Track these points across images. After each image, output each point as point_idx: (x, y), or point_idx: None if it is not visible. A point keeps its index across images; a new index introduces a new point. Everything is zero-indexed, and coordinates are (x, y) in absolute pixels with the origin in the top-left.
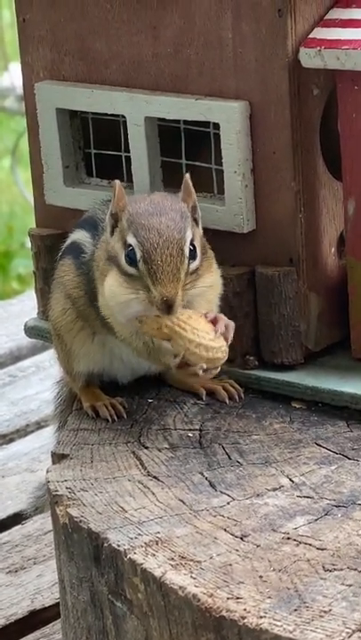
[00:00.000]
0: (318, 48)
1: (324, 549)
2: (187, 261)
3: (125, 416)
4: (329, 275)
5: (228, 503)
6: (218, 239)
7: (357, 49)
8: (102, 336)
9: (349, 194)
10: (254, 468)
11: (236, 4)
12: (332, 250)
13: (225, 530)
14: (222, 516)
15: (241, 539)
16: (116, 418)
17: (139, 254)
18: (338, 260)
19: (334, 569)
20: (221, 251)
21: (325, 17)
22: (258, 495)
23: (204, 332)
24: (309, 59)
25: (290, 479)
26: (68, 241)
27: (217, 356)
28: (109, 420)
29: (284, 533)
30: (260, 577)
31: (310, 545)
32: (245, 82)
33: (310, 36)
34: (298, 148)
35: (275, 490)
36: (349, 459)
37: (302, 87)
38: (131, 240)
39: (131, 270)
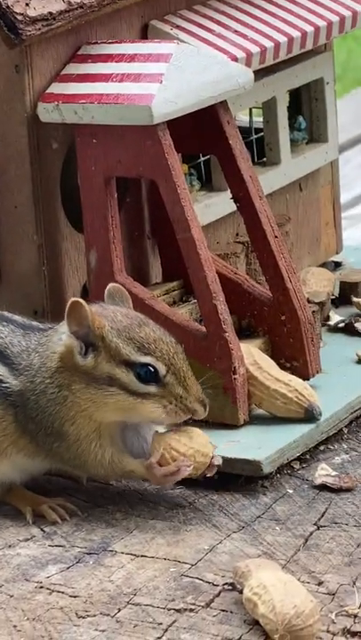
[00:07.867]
0: (56, 103)
1: (77, 596)
2: None
3: (80, 513)
4: None
5: None
6: None
7: (94, 103)
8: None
9: (91, 245)
10: (5, 520)
11: None
12: None
13: None
14: None
15: None
16: (67, 517)
17: (163, 369)
18: None
19: (87, 615)
20: None
21: (62, 72)
22: (10, 546)
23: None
24: (47, 113)
25: (41, 529)
26: None
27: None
28: (59, 521)
29: (37, 582)
30: (15, 627)
31: (63, 593)
32: None
33: (48, 90)
34: (39, 201)
35: (27, 540)
36: (99, 507)
37: (42, 142)
38: (145, 359)
39: (149, 389)
